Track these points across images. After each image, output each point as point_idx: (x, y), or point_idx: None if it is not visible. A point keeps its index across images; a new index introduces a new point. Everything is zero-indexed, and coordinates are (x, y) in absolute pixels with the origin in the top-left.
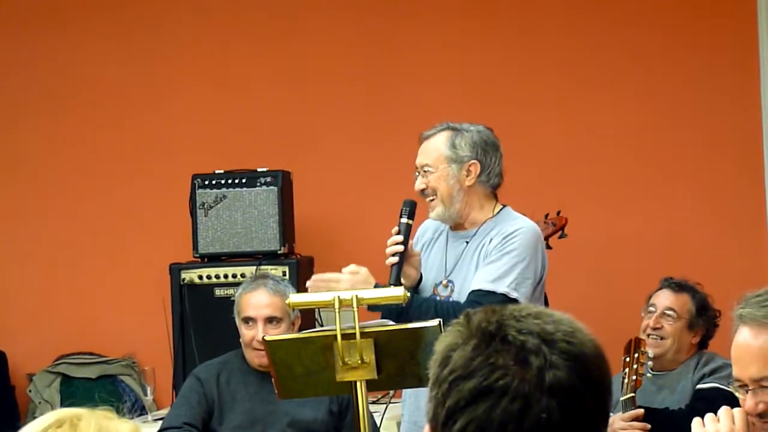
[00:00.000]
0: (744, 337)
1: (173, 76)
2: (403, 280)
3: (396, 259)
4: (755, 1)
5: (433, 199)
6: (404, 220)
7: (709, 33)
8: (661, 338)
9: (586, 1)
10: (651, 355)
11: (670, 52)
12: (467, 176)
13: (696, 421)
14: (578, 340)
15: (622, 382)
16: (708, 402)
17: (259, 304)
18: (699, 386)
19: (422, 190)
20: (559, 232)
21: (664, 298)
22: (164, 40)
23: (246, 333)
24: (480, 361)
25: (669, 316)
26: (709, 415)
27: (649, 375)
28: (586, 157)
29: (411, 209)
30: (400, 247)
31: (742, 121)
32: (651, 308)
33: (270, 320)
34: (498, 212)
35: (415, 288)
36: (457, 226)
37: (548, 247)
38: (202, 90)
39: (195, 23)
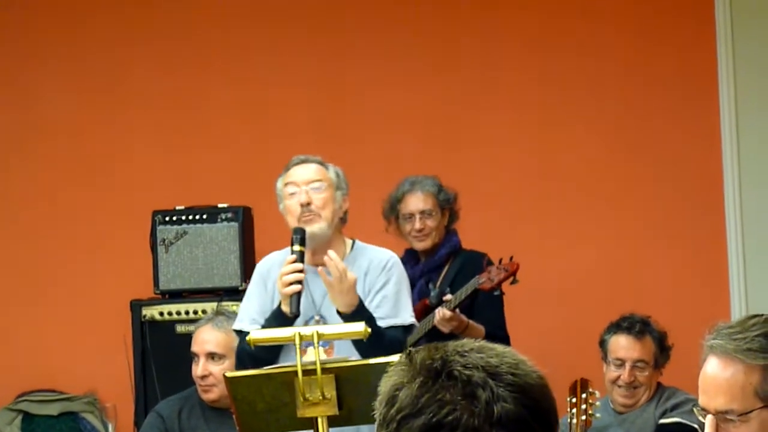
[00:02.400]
0: (713, 369)
1: (133, 112)
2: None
3: (299, 287)
4: (714, 32)
5: (317, 215)
6: (297, 248)
7: (665, 65)
8: (635, 388)
9: (541, 40)
10: (627, 402)
11: (624, 85)
12: (341, 208)
13: None
14: (523, 372)
15: (570, 423)
16: None
17: (202, 340)
18: (661, 421)
19: (308, 204)
20: (511, 278)
21: (631, 350)
22: (122, 76)
23: (193, 368)
24: (428, 398)
25: (641, 367)
26: None
27: (597, 416)
28: (540, 194)
29: (302, 236)
30: (302, 275)
31: (700, 155)
32: (617, 362)
33: (211, 356)
34: (353, 245)
35: (292, 322)
36: (315, 260)
37: (501, 292)
38: (161, 126)
39: (154, 59)
